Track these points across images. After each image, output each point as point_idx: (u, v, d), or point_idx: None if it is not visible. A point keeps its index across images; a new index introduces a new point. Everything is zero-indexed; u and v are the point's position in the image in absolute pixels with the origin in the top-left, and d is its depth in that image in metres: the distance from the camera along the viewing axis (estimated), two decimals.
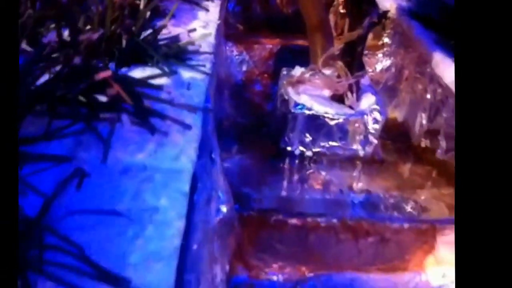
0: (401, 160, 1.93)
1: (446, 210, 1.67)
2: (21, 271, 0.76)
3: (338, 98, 1.85)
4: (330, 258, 1.53)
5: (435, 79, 1.97)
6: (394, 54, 2.43)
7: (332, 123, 1.81)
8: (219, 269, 1.38)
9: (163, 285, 0.79)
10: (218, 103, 1.93)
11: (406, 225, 1.54)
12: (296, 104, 1.82)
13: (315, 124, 1.81)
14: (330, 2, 2.43)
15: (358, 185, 1.77)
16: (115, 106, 1.08)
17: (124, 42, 1.33)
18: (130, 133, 1.08)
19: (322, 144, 1.84)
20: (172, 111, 1.15)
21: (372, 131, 1.84)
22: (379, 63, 2.50)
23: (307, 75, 1.92)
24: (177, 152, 1.08)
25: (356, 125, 1.82)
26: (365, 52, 2.32)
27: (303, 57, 2.05)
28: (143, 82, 1.17)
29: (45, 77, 1.10)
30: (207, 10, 1.81)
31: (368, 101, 1.85)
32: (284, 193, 1.69)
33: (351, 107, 1.84)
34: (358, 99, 1.85)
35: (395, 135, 2.08)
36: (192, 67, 1.37)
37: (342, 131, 1.83)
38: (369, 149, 1.86)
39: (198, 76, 1.36)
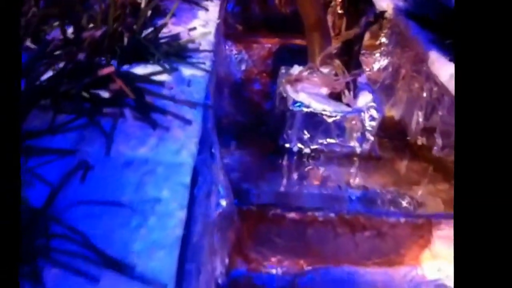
0: (398, 157, 1.96)
1: (442, 206, 1.69)
2: (29, 258, 0.79)
3: (335, 96, 1.88)
4: (328, 252, 1.56)
5: (431, 78, 2.00)
6: (391, 53, 2.46)
7: (329, 120, 1.84)
8: (219, 262, 1.40)
9: (165, 272, 0.82)
10: (218, 101, 1.96)
11: (402, 220, 1.57)
12: (295, 102, 1.84)
13: (313, 121, 1.84)
14: (328, 3, 2.46)
15: (356, 181, 1.80)
16: (117, 101, 1.10)
17: (125, 40, 1.36)
18: (132, 128, 1.11)
19: (320, 141, 1.87)
20: (173, 107, 1.18)
21: (369, 128, 1.87)
22: (377, 62, 2.53)
23: (305, 74, 1.95)
24: (178, 146, 1.11)
25: (353, 122, 1.85)
26: (363, 51, 2.36)
27: (301, 56, 2.07)
28: (145, 78, 1.20)
29: (49, 73, 1.13)
30: (206, 9, 1.84)
31: (365, 98, 1.88)
32: (282, 189, 1.72)
33: (348, 105, 1.86)
34: (355, 97, 1.88)
35: (392, 133, 2.11)
36: (193, 65, 1.40)
37: (339, 128, 1.85)
38: (366, 146, 1.89)
39: (198, 73, 1.38)
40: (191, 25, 1.65)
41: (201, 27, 1.68)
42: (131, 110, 1.11)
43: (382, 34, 2.53)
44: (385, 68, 2.47)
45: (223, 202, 1.34)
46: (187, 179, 1.03)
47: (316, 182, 1.75)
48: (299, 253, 1.55)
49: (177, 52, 1.43)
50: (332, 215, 1.54)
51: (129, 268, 0.79)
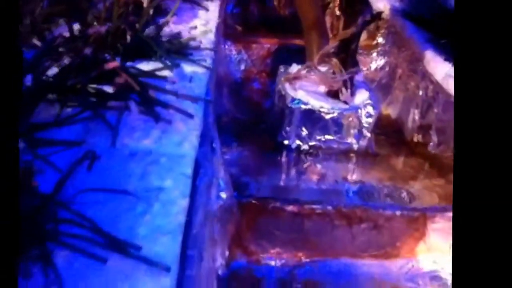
0: (395, 154, 2.00)
1: (438, 200, 1.73)
2: (39, 241, 0.83)
3: (333, 94, 1.92)
4: (326, 244, 1.59)
5: (426, 76, 2.03)
6: (388, 53, 2.50)
7: (327, 117, 1.88)
8: (219, 254, 1.44)
9: (169, 256, 0.85)
10: (217, 99, 2.00)
11: (398, 213, 1.61)
12: (293, 99, 1.89)
13: (311, 118, 1.88)
14: (327, 4, 2.50)
15: (353, 177, 1.83)
16: (122, 95, 1.14)
17: (128, 38, 1.40)
18: (136, 121, 1.15)
19: (318, 137, 1.91)
20: (176, 101, 1.22)
21: (366, 125, 1.91)
22: (374, 62, 2.57)
23: (303, 72, 1.99)
24: (180, 138, 1.15)
25: (350, 119, 1.89)
26: (360, 51, 2.40)
27: (299, 56, 2.11)
28: (149, 73, 1.24)
29: (55, 69, 1.17)
30: (207, 9, 1.88)
31: (362, 96, 1.92)
32: (281, 183, 1.76)
33: (345, 102, 1.91)
34: (353, 94, 1.92)
35: (389, 131, 2.14)
36: (194, 62, 1.44)
37: (337, 125, 1.89)
38: (363, 142, 1.93)
39: (199, 70, 1.43)
40: (192, 24, 1.69)
41: (202, 26, 1.72)
42: (136, 104, 1.15)
43: (379, 34, 2.57)
44: (382, 67, 2.51)
45: (223, 195, 1.37)
46: (189, 170, 1.07)
47: (314, 177, 1.79)
48: (297, 246, 1.59)
49: (179, 50, 1.47)
50: (329, 208, 1.58)
51: (135, 250, 0.82)
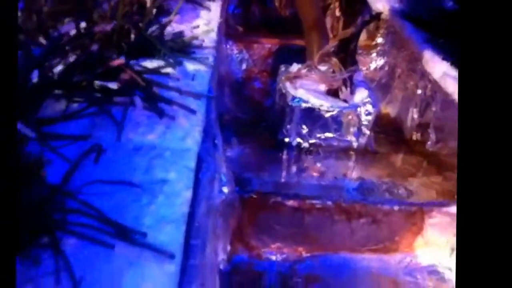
0: (394, 152, 2.02)
1: (435, 196, 1.76)
2: (48, 230, 0.86)
3: (333, 92, 1.95)
4: (326, 239, 1.62)
5: (425, 76, 2.06)
6: (387, 53, 2.52)
7: (327, 115, 1.91)
8: (221, 248, 1.47)
9: (173, 244, 0.89)
10: (219, 97, 2.03)
11: (396, 208, 1.63)
12: (294, 98, 1.91)
13: (311, 116, 1.91)
14: (327, 5, 2.53)
15: (353, 174, 1.86)
16: (127, 91, 1.18)
17: (132, 37, 1.43)
18: (141, 116, 1.18)
19: (318, 135, 1.94)
20: (179, 98, 1.26)
21: (365, 123, 1.93)
22: (373, 62, 2.60)
23: (304, 71, 2.02)
24: (184, 133, 1.18)
25: (350, 117, 1.92)
26: (360, 51, 2.43)
27: (300, 56, 2.14)
28: (153, 70, 1.27)
29: (61, 66, 1.21)
30: (209, 9, 1.91)
31: (361, 94, 1.95)
32: (282, 179, 1.79)
33: (345, 100, 1.93)
34: (352, 92, 1.95)
35: (389, 130, 2.17)
36: (196, 60, 1.47)
37: (337, 123, 1.92)
38: (362, 140, 1.96)
39: (201, 68, 1.46)
40: (194, 24, 1.72)
41: (204, 25, 1.75)
42: (140, 100, 1.18)
43: (379, 35, 2.60)
44: (382, 67, 2.54)
45: (225, 189, 1.40)
46: (192, 164, 1.11)
47: (315, 174, 1.82)
48: (298, 240, 1.62)
49: (181, 48, 1.50)
50: (329, 203, 1.60)
51: (141, 237, 0.86)
